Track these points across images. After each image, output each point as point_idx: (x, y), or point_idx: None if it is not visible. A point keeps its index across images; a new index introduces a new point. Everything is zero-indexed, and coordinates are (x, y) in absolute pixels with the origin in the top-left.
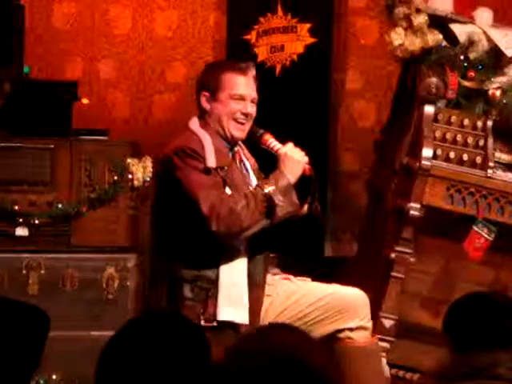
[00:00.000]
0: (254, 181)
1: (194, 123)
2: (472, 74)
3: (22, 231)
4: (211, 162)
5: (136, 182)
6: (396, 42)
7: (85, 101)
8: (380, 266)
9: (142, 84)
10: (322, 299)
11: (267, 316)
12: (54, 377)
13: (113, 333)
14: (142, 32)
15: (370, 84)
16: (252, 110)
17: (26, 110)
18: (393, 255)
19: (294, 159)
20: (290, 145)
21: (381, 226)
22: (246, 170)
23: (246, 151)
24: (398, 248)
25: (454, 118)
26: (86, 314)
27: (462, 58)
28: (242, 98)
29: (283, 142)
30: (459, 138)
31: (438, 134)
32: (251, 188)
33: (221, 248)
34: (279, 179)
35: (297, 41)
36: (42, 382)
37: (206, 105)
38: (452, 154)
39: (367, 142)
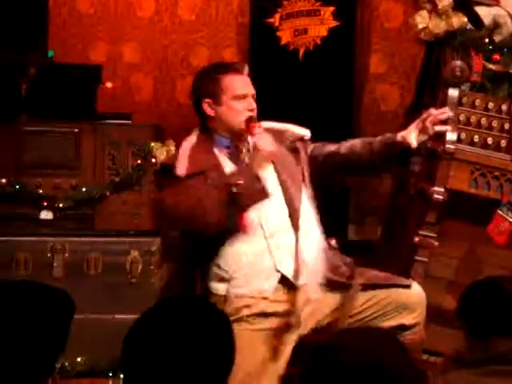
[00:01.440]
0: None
1: (188, 140)
2: (497, 56)
3: (46, 215)
4: (180, 170)
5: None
6: (420, 25)
7: (109, 84)
8: (404, 250)
9: (165, 67)
10: (376, 296)
11: (319, 311)
12: (78, 359)
13: (137, 316)
14: (166, 15)
15: (393, 67)
16: (255, 104)
17: (50, 94)
18: (417, 239)
19: (266, 149)
20: (262, 136)
21: (405, 210)
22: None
23: (263, 143)
24: (422, 232)
25: (478, 102)
26: (110, 298)
27: (486, 40)
28: (244, 97)
29: (308, 125)
30: (484, 121)
31: (462, 117)
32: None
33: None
34: (242, 169)
35: (320, 24)
36: (67, 364)
37: (210, 111)
38: (476, 138)
39: (391, 126)
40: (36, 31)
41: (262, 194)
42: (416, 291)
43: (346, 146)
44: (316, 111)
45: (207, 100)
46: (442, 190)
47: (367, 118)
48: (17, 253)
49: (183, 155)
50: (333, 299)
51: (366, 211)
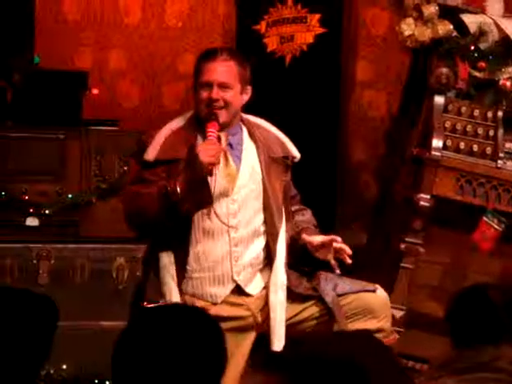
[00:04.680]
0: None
1: (173, 121)
2: (482, 64)
3: (32, 221)
4: (148, 155)
5: None
6: (406, 33)
7: (95, 91)
8: (389, 257)
9: (151, 74)
10: (342, 300)
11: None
12: (63, 367)
13: (123, 323)
14: (152, 22)
15: (379, 74)
16: (220, 95)
17: (35, 99)
18: (402, 246)
19: (200, 157)
20: (207, 142)
21: (390, 217)
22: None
23: (247, 135)
24: (408, 239)
25: (464, 109)
26: (96, 304)
27: (472, 48)
28: (207, 84)
29: (295, 132)
30: (469, 128)
31: (447, 124)
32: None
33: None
34: (181, 174)
35: (307, 31)
36: (52, 372)
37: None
38: (462, 145)
39: (377, 133)
40: (22, 37)
41: (207, 198)
42: (380, 296)
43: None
44: (303, 118)
45: (193, 83)
46: (428, 196)
47: (354, 125)
48: (2, 259)
49: (158, 139)
50: (293, 308)
51: (352, 217)
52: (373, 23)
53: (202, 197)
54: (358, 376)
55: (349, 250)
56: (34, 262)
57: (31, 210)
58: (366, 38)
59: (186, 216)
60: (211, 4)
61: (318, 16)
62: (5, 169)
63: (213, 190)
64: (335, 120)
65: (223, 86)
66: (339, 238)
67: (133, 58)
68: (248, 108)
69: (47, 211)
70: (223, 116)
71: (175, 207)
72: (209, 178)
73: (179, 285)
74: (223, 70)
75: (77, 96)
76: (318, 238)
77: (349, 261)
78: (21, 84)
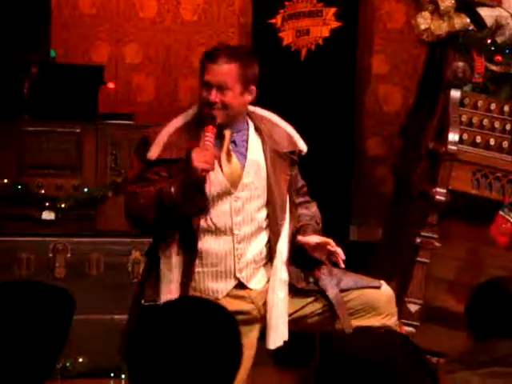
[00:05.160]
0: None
1: (178, 118)
2: (499, 58)
3: (48, 215)
4: (151, 153)
5: None
6: (422, 26)
7: (111, 85)
8: (405, 251)
9: (167, 68)
10: (347, 296)
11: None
12: (80, 360)
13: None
14: (168, 16)
15: (395, 68)
16: (219, 97)
17: (52, 94)
18: (418, 240)
19: (193, 162)
20: (198, 148)
21: (406, 211)
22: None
23: (249, 134)
24: (424, 233)
25: (480, 103)
26: (112, 298)
27: (489, 41)
28: (207, 85)
29: (310, 126)
30: (486, 122)
31: (464, 118)
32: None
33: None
34: (176, 178)
35: (322, 25)
36: (68, 364)
37: None
38: (478, 139)
39: (393, 127)
40: (38, 31)
41: (201, 203)
42: (385, 292)
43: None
44: (318, 112)
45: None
46: (444, 191)
47: (369, 119)
48: (19, 253)
49: (161, 137)
50: (294, 304)
51: (368, 212)
52: (389, 17)
53: (196, 201)
54: (387, 374)
55: (342, 255)
56: (51, 255)
57: (47, 204)
58: (382, 32)
59: (186, 216)
60: None
61: (333, 10)
62: (21, 163)
63: (216, 188)
64: (351, 114)
65: (221, 88)
66: (333, 242)
67: (148, 52)
68: (264, 102)
69: (63, 205)
70: (221, 117)
71: (171, 209)
72: (208, 180)
73: (181, 280)
74: (222, 72)
75: (93, 90)
76: (313, 239)
77: (342, 265)
78: (37, 78)
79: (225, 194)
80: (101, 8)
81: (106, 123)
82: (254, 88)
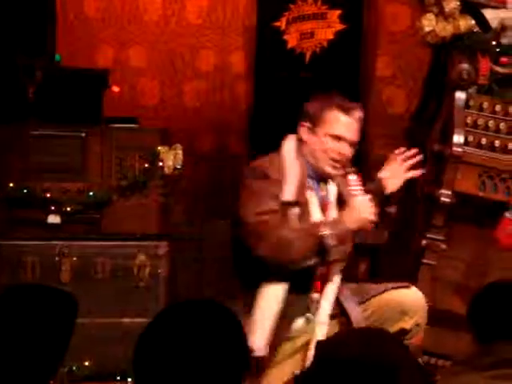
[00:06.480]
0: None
1: (290, 149)
2: (504, 59)
3: (53, 219)
4: (289, 194)
5: (166, 170)
6: (427, 28)
7: (115, 88)
8: (411, 253)
9: (172, 71)
10: (375, 304)
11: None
12: (86, 363)
13: (144, 320)
14: (172, 19)
15: (400, 70)
16: (349, 151)
17: (57, 98)
18: (424, 242)
19: (360, 213)
20: (365, 198)
21: (412, 213)
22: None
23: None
24: (430, 235)
25: (485, 104)
26: (118, 301)
27: (494, 43)
28: (339, 139)
29: None
30: (491, 124)
31: (469, 120)
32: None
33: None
34: (338, 226)
35: (327, 27)
36: (74, 368)
37: (303, 135)
38: (484, 140)
39: (397, 129)
40: (43, 35)
41: (345, 255)
42: (416, 295)
43: None
44: None
45: (305, 124)
46: (450, 192)
47: (374, 121)
48: (24, 257)
49: (292, 178)
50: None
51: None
52: (393, 19)
53: (345, 249)
54: (386, 376)
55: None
56: (56, 259)
57: (53, 208)
58: (387, 34)
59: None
60: (231, 0)
61: (338, 12)
62: (26, 166)
63: None
64: None
65: (352, 145)
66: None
67: (153, 55)
68: (268, 106)
69: (68, 209)
70: (341, 168)
71: (322, 256)
72: None
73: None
74: (357, 129)
75: (98, 94)
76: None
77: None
78: (42, 82)
79: None
80: (105, 12)
81: (111, 127)
82: None
